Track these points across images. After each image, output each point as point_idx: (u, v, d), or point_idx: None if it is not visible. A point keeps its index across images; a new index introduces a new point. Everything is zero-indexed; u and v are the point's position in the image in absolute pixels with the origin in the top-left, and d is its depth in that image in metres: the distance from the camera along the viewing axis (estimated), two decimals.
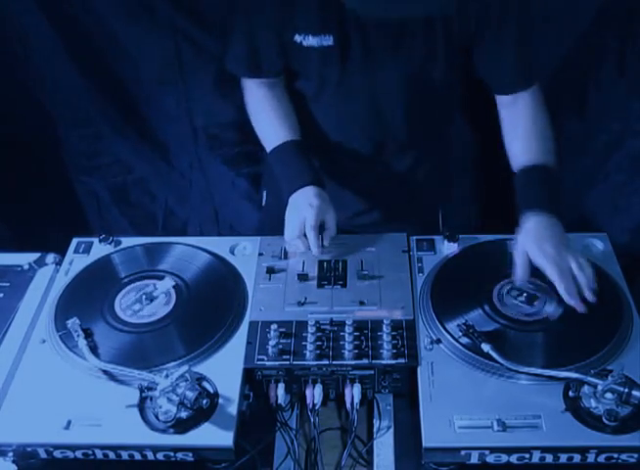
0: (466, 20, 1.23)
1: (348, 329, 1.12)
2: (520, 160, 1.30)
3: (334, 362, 1.10)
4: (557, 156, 1.30)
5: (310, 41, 1.26)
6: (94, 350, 1.12)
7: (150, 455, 1.02)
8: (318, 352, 1.11)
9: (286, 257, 1.30)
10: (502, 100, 1.35)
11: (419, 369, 1.08)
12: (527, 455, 0.99)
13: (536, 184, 1.27)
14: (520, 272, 1.18)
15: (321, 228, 1.26)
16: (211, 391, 1.06)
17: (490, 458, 0.99)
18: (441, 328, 1.14)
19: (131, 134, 1.85)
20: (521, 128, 1.32)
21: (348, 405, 1.11)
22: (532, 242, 1.17)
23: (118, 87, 1.73)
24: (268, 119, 1.39)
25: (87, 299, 1.23)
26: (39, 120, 1.81)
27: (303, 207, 1.26)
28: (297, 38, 1.26)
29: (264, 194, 1.69)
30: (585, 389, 1.01)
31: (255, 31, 1.30)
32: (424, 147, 1.49)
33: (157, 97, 1.75)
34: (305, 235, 1.26)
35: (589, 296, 1.13)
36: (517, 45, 1.27)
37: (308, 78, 1.36)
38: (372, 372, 1.11)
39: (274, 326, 1.14)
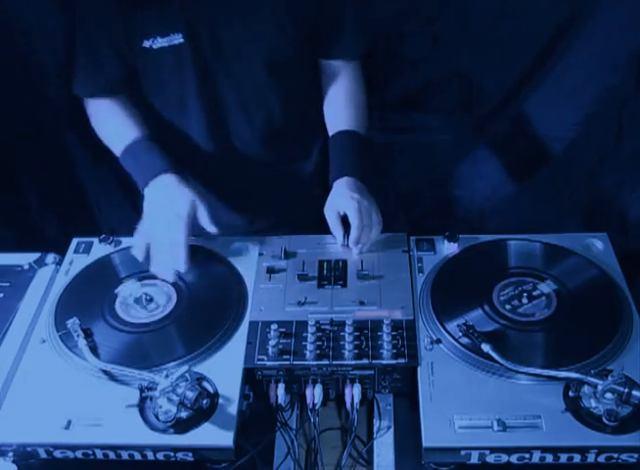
0: None
1: (348, 329, 1.12)
2: (336, 124, 1.41)
3: (334, 362, 1.10)
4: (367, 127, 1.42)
5: (160, 43, 1.25)
6: (94, 350, 1.12)
7: (150, 455, 1.02)
8: (318, 352, 1.11)
9: (286, 256, 1.30)
10: (327, 67, 1.44)
11: (419, 369, 1.08)
12: (528, 455, 0.99)
13: (350, 150, 1.38)
14: (335, 231, 1.28)
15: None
16: (211, 391, 1.06)
17: (490, 458, 0.99)
18: (441, 328, 1.14)
19: None
20: (342, 97, 1.43)
21: (348, 405, 1.11)
22: (342, 195, 1.28)
23: None
24: (115, 127, 1.38)
25: (87, 299, 1.23)
26: (40, 118, 1.80)
27: (171, 216, 1.23)
28: (146, 43, 1.25)
29: None
30: (585, 389, 1.01)
31: (97, 44, 1.29)
32: (302, 136, 1.51)
33: None
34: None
35: (359, 249, 1.28)
36: (346, 20, 1.36)
37: (167, 89, 1.35)
38: (372, 372, 1.11)
39: (274, 326, 1.14)
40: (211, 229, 1.27)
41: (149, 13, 1.23)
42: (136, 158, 1.33)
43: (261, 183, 1.53)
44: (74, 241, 1.38)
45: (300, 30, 1.32)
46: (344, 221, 1.29)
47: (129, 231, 1.31)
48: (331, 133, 1.42)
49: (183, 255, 1.23)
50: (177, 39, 1.25)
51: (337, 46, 1.40)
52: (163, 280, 1.25)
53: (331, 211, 1.29)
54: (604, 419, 0.97)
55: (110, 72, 1.34)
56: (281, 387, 1.12)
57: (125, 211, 2.00)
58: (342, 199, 1.28)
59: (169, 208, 1.25)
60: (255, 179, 1.52)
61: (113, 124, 1.38)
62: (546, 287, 1.19)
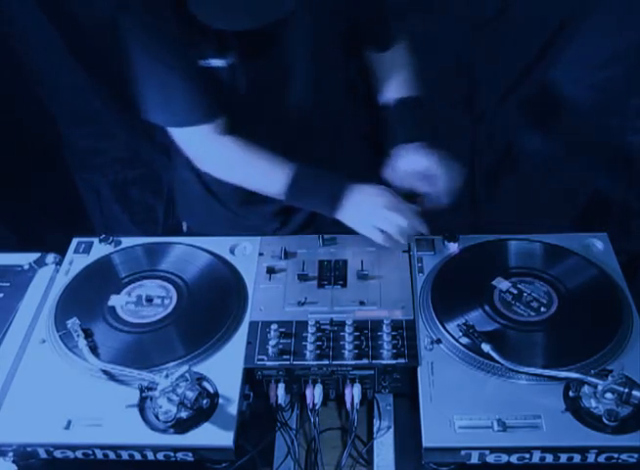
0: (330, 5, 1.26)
1: (348, 329, 1.12)
2: (392, 95, 1.41)
3: (334, 362, 1.10)
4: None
5: (214, 63, 1.21)
6: (94, 350, 1.12)
7: (150, 455, 1.02)
8: (318, 352, 1.11)
9: (286, 256, 1.30)
10: (377, 56, 1.44)
11: (419, 369, 1.08)
12: (528, 455, 0.99)
13: (411, 117, 1.38)
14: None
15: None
16: (211, 391, 1.06)
17: (490, 458, 0.99)
18: (441, 328, 1.14)
19: (132, 131, 1.85)
20: (395, 74, 1.43)
21: (348, 405, 1.11)
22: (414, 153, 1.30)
23: (119, 85, 1.73)
24: (250, 170, 1.30)
25: (87, 299, 1.23)
26: (40, 119, 1.81)
27: (375, 210, 1.21)
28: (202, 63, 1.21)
29: (183, 224, 1.66)
30: (585, 389, 1.01)
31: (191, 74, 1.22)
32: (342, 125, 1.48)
33: None
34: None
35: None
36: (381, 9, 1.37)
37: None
38: (372, 372, 1.11)
39: (274, 326, 1.14)
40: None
41: (202, 39, 1.18)
42: (303, 190, 1.26)
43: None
44: (74, 241, 1.38)
45: (339, 27, 1.32)
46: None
47: (124, 231, 1.31)
48: (390, 103, 1.41)
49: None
50: (229, 60, 1.21)
51: (373, 37, 1.41)
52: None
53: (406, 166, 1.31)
54: (604, 419, 0.97)
55: (201, 96, 1.24)
56: (281, 387, 1.12)
57: (118, 213, 2.01)
58: (419, 155, 1.30)
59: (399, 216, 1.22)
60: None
61: (246, 168, 1.30)
62: (548, 288, 1.19)
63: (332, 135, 1.46)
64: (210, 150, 1.31)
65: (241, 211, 1.49)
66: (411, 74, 1.44)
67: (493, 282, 1.21)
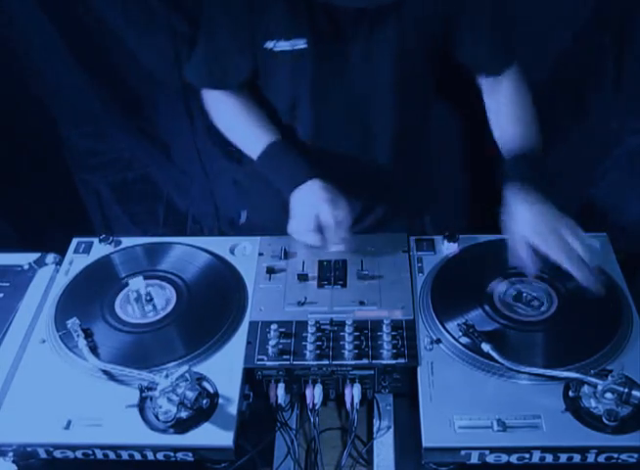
0: (433, 3, 1.23)
1: (348, 329, 1.12)
2: (507, 147, 1.30)
3: (334, 362, 1.10)
4: (540, 136, 1.31)
5: (282, 46, 1.23)
6: (94, 350, 1.12)
7: (150, 455, 1.02)
8: (318, 352, 1.11)
9: (286, 256, 1.30)
10: (485, 84, 1.35)
11: (419, 369, 1.08)
12: (527, 455, 0.99)
13: (524, 166, 1.24)
14: (529, 264, 1.15)
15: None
16: (211, 391, 1.06)
17: (490, 458, 0.99)
18: (441, 328, 1.14)
19: (132, 131, 1.85)
20: (504, 115, 1.32)
21: (348, 405, 1.11)
22: (530, 230, 1.14)
23: (119, 85, 1.73)
24: (246, 126, 1.35)
25: (87, 299, 1.23)
26: (40, 119, 1.81)
27: (315, 201, 1.22)
28: (269, 44, 1.24)
29: (243, 213, 1.67)
30: (585, 389, 1.01)
31: (223, 40, 1.28)
32: (406, 145, 1.46)
33: (157, 94, 1.75)
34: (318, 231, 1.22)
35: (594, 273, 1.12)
36: (493, 24, 1.28)
37: (281, 90, 1.34)
38: (372, 372, 1.11)
39: (274, 326, 1.14)
40: (345, 234, 1.22)
41: (276, 15, 1.21)
42: (279, 163, 1.30)
43: (357, 188, 1.44)
44: (74, 241, 1.38)
45: (428, 44, 1.29)
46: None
47: (124, 231, 1.31)
48: (503, 155, 1.30)
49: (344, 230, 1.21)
50: (300, 44, 1.23)
51: (475, 58, 1.32)
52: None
53: (523, 250, 1.16)
54: (604, 419, 0.97)
55: (230, 68, 1.32)
56: (281, 387, 1.12)
57: (118, 213, 2.01)
58: (534, 238, 1.14)
59: (317, 209, 1.21)
60: (352, 185, 1.42)
61: (242, 126, 1.36)
62: (548, 288, 1.19)
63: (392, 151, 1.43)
64: (219, 109, 1.39)
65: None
66: (527, 114, 1.31)
67: (493, 282, 1.21)
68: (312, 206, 1.21)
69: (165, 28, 1.59)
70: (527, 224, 1.15)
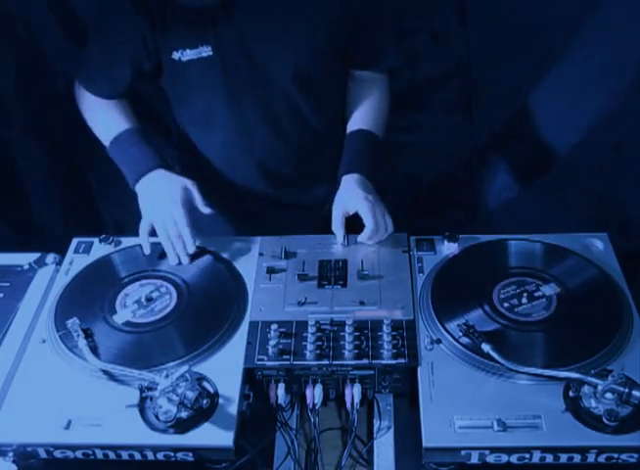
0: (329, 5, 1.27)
1: (348, 329, 1.12)
2: (353, 124, 1.42)
3: (334, 362, 1.10)
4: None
5: (189, 55, 1.25)
6: (94, 350, 1.12)
7: (150, 455, 1.02)
8: (318, 352, 1.11)
9: (286, 256, 1.30)
10: (356, 75, 1.45)
11: (419, 369, 1.08)
12: (528, 455, 0.99)
13: (363, 148, 1.39)
14: (337, 229, 1.28)
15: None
16: (211, 391, 1.06)
17: (490, 458, 0.99)
18: (441, 328, 1.14)
19: None
20: (365, 101, 1.43)
21: (348, 405, 1.11)
22: (354, 194, 1.29)
23: None
24: (107, 115, 1.37)
25: (87, 299, 1.23)
26: (40, 119, 1.81)
27: (166, 202, 1.26)
28: (175, 55, 1.26)
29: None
30: (585, 389, 1.01)
31: (113, 52, 1.29)
32: (332, 153, 1.47)
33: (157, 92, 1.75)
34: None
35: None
36: (384, 32, 1.39)
37: (194, 102, 1.35)
38: (372, 372, 1.11)
39: (274, 326, 1.14)
40: (205, 210, 1.30)
41: (178, 25, 1.22)
42: (125, 151, 1.33)
43: (277, 208, 1.53)
44: (74, 241, 1.38)
45: (334, 43, 1.32)
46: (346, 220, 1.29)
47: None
48: (348, 131, 1.43)
49: (188, 236, 1.26)
50: (206, 52, 1.25)
51: (372, 58, 1.42)
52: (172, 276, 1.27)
53: (339, 209, 1.29)
54: (604, 419, 0.97)
55: (117, 79, 1.34)
56: (281, 387, 1.12)
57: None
58: (355, 198, 1.28)
59: (164, 198, 1.27)
60: (269, 205, 1.52)
61: (103, 115, 1.38)
62: (549, 289, 1.19)
63: (309, 148, 1.47)
64: (87, 104, 1.40)
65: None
66: (379, 111, 1.44)
67: (493, 283, 1.21)
68: (165, 208, 1.26)
69: None
70: (354, 195, 1.29)
